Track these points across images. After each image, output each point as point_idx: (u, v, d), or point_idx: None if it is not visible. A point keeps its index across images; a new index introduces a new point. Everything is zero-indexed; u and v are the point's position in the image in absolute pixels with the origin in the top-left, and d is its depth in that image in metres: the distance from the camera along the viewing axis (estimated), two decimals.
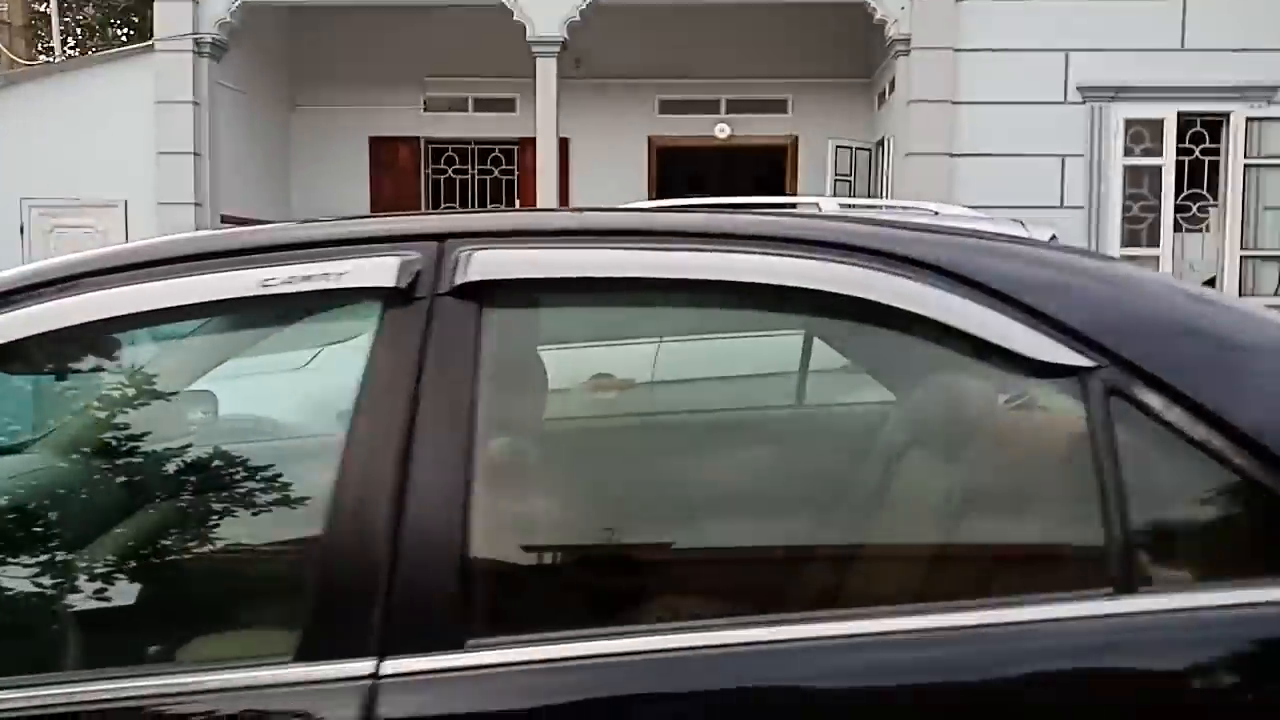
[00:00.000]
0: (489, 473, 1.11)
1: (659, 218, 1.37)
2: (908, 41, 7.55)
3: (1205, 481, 1.07)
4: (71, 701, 1.04)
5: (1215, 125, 7.59)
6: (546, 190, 7.79)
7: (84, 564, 1.30)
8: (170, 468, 1.35)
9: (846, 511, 1.32)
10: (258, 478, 1.34)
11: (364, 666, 1.02)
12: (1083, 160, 7.60)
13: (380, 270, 1.14)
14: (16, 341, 1.13)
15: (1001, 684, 1.00)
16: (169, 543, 1.30)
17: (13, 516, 1.40)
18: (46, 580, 1.28)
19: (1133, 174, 7.64)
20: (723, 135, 9.50)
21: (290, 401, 1.99)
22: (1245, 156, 7.50)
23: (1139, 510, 1.03)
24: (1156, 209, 7.60)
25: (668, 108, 9.54)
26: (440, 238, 1.17)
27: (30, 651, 1.23)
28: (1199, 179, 7.65)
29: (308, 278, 1.15)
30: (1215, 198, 7.65)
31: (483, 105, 9.60)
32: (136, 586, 1.34)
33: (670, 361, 1.39)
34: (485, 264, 1.14)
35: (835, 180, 8.99)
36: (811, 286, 1.13)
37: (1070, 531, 1.15)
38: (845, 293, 1.14)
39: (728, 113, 9.50)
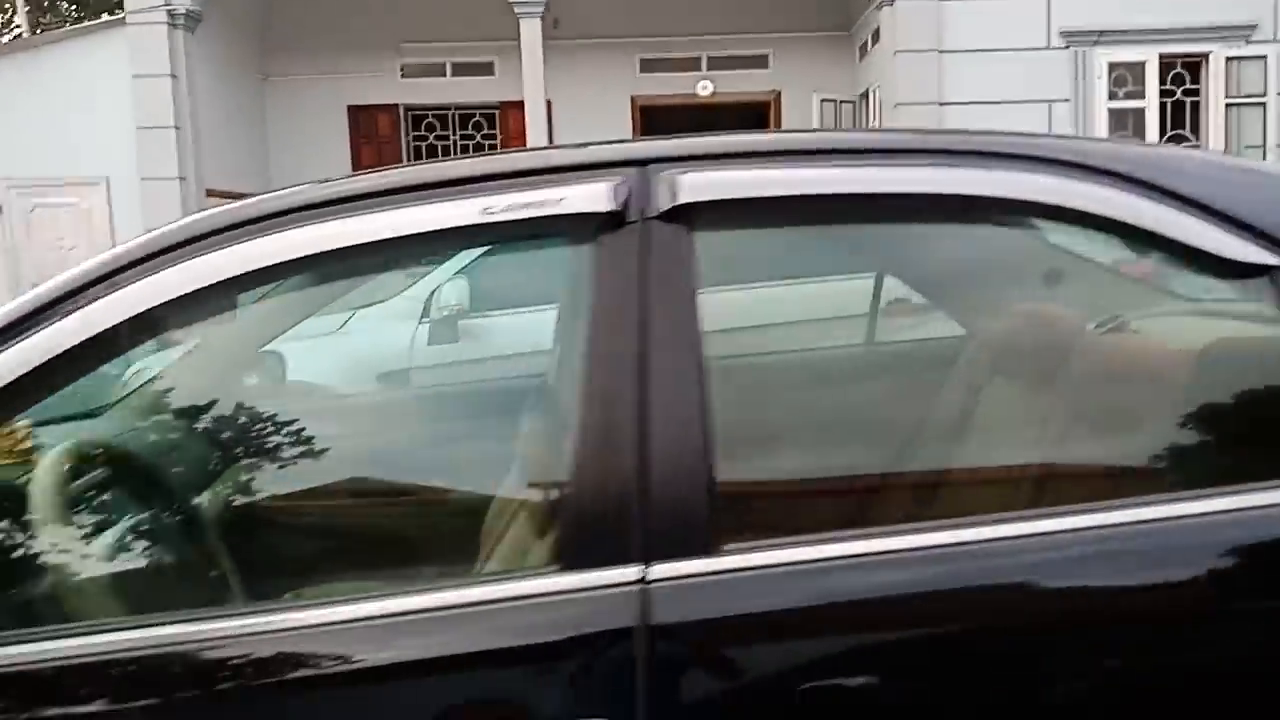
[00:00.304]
0: (719, 392, 1.14)
1: (851, 136, 1.39)
2: None
3: None
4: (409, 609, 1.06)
5: (1195, 66, 7.72)
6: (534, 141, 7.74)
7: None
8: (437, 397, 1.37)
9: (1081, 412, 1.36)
10: (511, 404, 1.36)
11: (633, 572, 1.06)
12: (1068, 105, 7.70)
13: (594, 196, 1.16)
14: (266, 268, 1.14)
15: None
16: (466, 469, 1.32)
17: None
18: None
19: (1117, 117, 7.75)
20: (705, 93, 9.48)
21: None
22: (1226, 96, 7.65)
23: None
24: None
25: (649, 66, 9.50)
26: (642, 163, 1.20)
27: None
28: (1181, 120, 7.79)
29: (527, 205, 1.16)
30: (1198, 137, 7.79)
31: (461, 70, 9.49)
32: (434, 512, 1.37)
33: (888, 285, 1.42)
34: (694, 186, 1.16)
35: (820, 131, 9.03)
36: (1024, 198, 1.17)
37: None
38: (1047, 201, 1.18)
39: (709, 70, 9.48)
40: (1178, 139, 7.84)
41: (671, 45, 9.38)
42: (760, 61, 9.49)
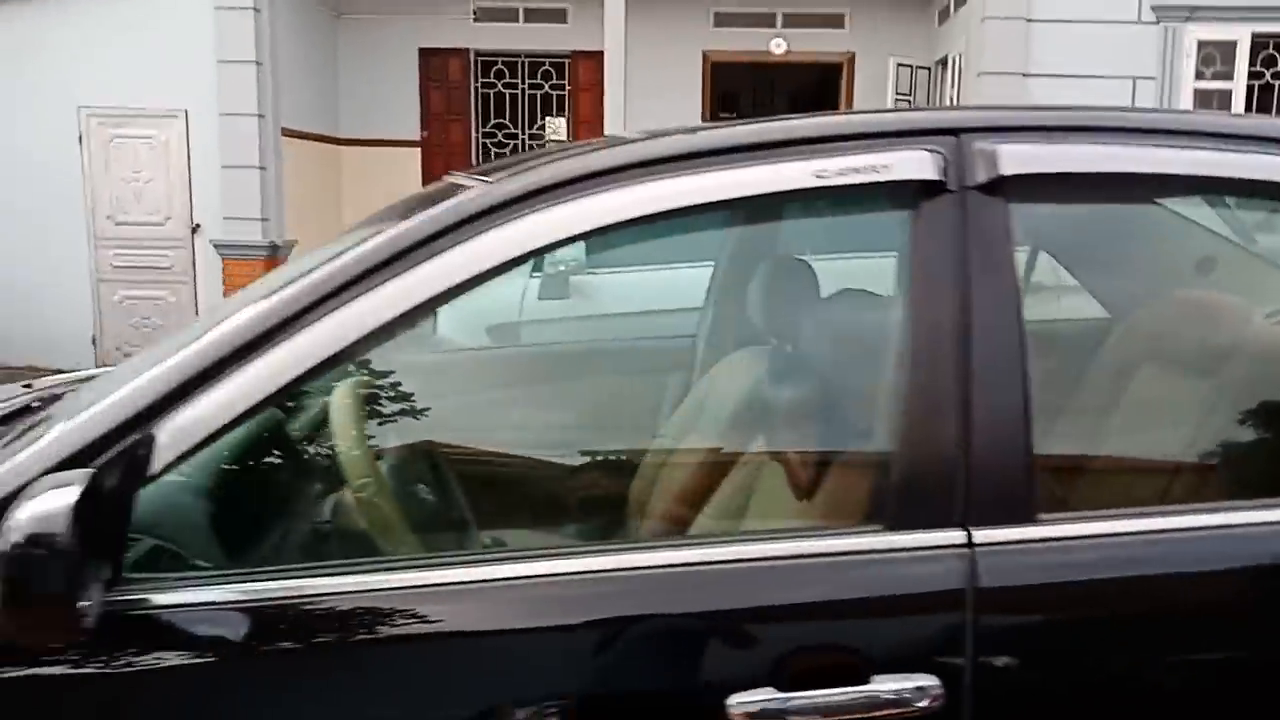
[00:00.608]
0: (1038, 362, 1.17)
1: (1153, 116, 1.40)
2: None
3: None
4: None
5: None
6: (614, 106, 7.69)
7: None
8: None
9: None
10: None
11: (958, 535, 1.10)
12: (1154, 83, 7.57)
13: (918, 163, 1.18)
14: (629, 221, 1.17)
15: None
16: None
17: None
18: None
19: (1203, 97, 7.62)
20: (779, 51, 9.37)
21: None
22: None
23: None
24: None
25: (722, 20, 9.38)
26: (955, 132, 1.22)
27: None
28: (1268, 103, 7.65)
29: (856, 170, 1.19)
30: None
31: (533, 15, 9.41)
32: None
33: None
34: (1014, 158, 1.19)
35: (896, 99, 8.93)
36: None
37: None
38: None
39: (784, 28, 9.36)
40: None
41: (746, 0, 9.27)
42: (836, 21, 9.35)
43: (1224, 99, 7.63)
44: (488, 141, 9.81)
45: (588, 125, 9.59)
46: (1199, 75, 7.58)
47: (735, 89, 12.34)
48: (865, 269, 1.31)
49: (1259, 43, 7.53)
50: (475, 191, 1.21)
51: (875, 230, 1.28)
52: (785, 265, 1.42)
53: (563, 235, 1.17)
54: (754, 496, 1.38)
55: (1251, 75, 7.59)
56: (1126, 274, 1.49)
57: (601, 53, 9.30)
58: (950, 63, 8.48)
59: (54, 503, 0.88)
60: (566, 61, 9.51)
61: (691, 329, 1.77)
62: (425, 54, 9.44)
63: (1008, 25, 7.48)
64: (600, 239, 1.23)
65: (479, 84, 9.61)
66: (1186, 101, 7.57)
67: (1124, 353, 1.33)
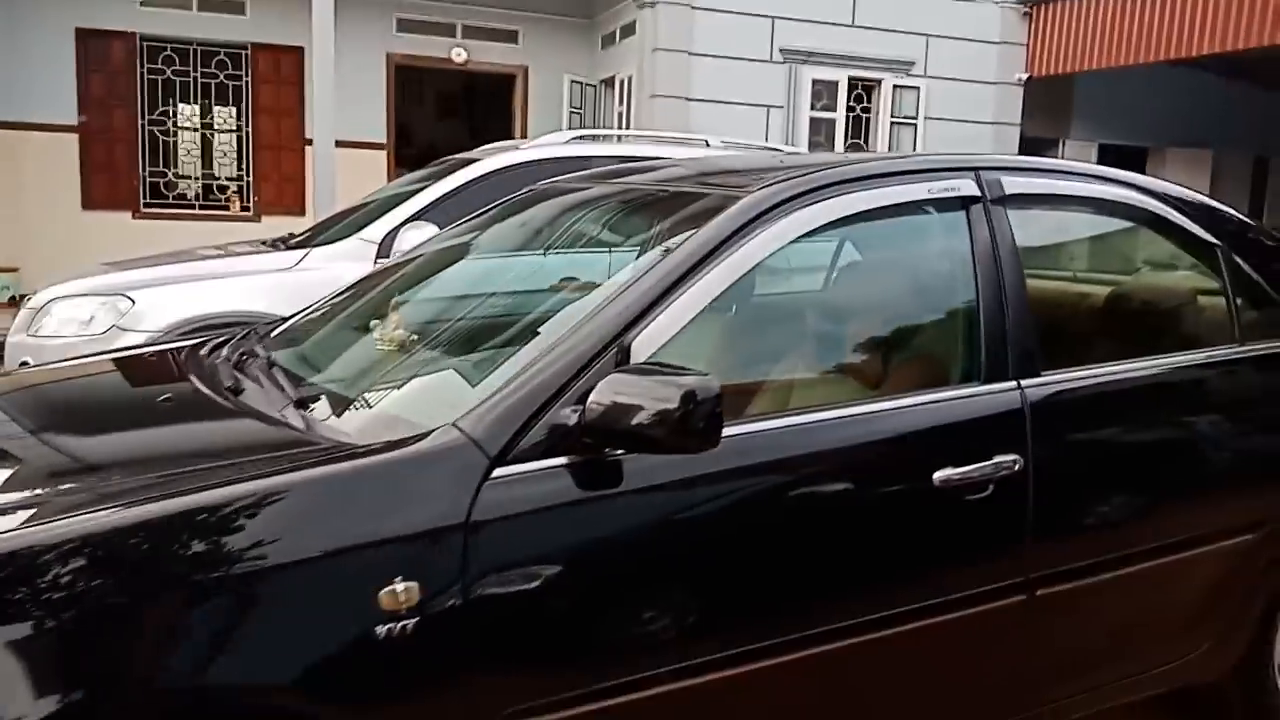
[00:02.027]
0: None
1: (1055, 163, 2.46)
2: None
3: None
4: None
5: (870, 89, 9.77)
6: (323, 100, 7.81)
7: None
8: None
9: None
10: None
11: (1012, 384, 2.08)
12: (782, 111, 9.39)
13: (969, 186, 2.16)
14: None
15: None
16: None
17: None
18: None
19: (815, 124, 9.58)
20: (459, 59, 10.00)
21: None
22: (890, 115, 9.78)
23: None
24: (826, 152, 9.63)
25: (405, 26, 9.81)
26: (975, 169, 2.21)
27: None
28: (859, 131, 9.82)
29: (946, 189, 2.13)
30: (869, 145, 9.87)
31: (208, 4, 9.14)
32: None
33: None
34: (1010, 184, 2.20)
35: (570, 112, 9.99)
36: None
37: None
38: None
39: (464, 38, 10.00)
40: (855, 147, 9.87)
41: (428, 8, 9.78)
42: (511, 36, 10.19)
43: (829, 126, 9.66)
44: (155, 129, 9.33)
45: (270, 115, 9.53)
46: (813, 106, 9.52)
47: (425, 93, 12.80)
48: (935, 247, 2.23)
49: (854, 83, 9.64)
50: (749, 199, 1.93)
51: (946, 220, 2.19)
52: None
53: (812, 227, 1.96)
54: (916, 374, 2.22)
55: (849, 109, 9.69)
56: (1053, 257, 2.59)
57: (284, 46, 9.38)
58: (619, 83, 9.70)
59: (703, 382, 1.52)
60: (244, 53, 9.35)
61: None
62: (84, 35, 8.77)
63: (674, 57, 8.85)
64: (827, 230, 2.02)
65: (145, 70, 9.12)
66: (805, 126, 9.48)
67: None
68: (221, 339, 2.60)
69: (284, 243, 5.16)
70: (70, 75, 8.81)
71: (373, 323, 2.41)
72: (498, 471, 1.58)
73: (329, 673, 1.44)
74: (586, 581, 1.65)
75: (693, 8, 8.85)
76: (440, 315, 2.47)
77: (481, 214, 2.87)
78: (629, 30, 9.46)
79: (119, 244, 8.71)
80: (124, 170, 9.15)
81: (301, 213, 9.56)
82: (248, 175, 9.61)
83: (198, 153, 9.62)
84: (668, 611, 1.72)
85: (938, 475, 1.92)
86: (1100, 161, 11.44)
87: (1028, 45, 10.25)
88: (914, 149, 9.91)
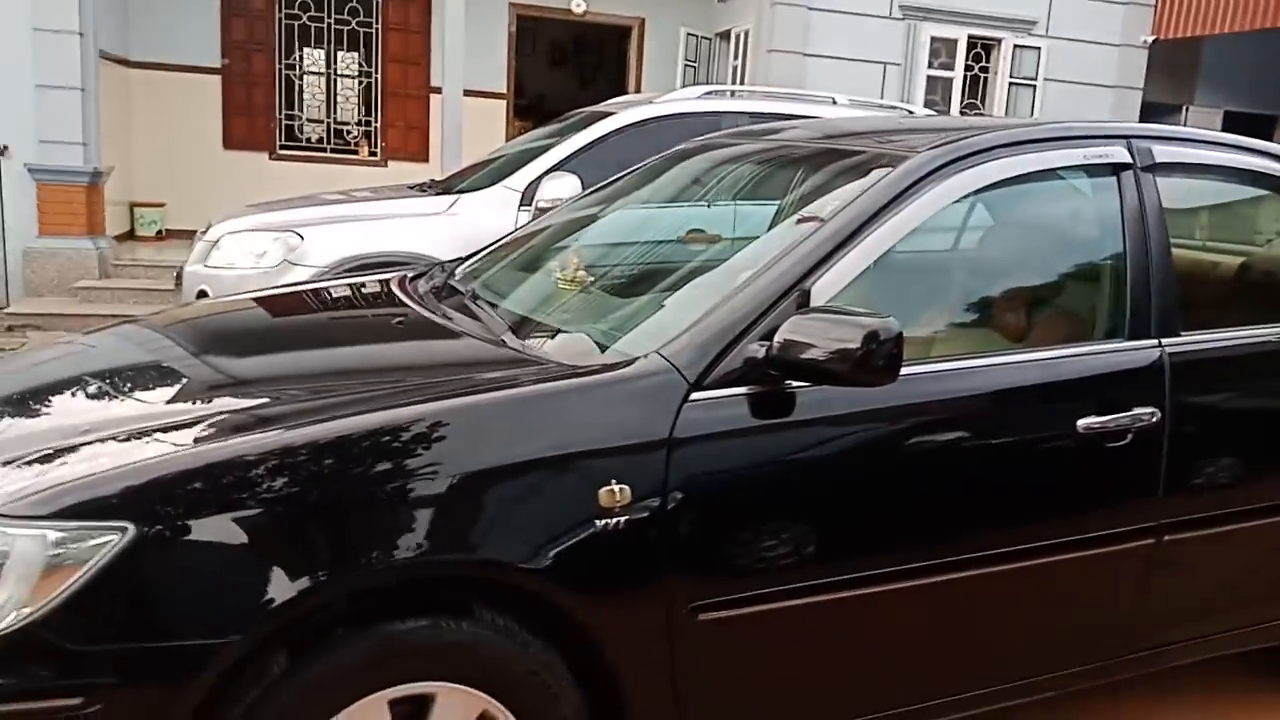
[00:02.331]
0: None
1: (1201, 133, 2.58)
2: None
3: None
4: None
5: (990, 48, 9.65)
6: (453, 51, 8.07)
7: None
8: None
9: None
10: None
11: (1154, 341, 2.23)
12: (899, 69, 9.36)
13: (1122, 153, 2.29)
14: None
15: None
16: None
17: None
18: None
19: (931, 83, 9.53)
20: (579, 10, 10.18)
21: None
22: (1009, 76, 9.65)
23: None
24: (946, 113, 9.57)
25: None
26: (1130, 138, 2.34)
27: None
28: (975, 91, 9.73)
29: (1100, 155, 2.27)
30: (984, 106, 9.77)
31: None
32: None
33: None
34: (1160, 153, 2.33)
35: (685, 65, 10.11)
36: None
37: None
38: None
39: None
40: (971, 107, 9.79)
41: None
42: None
43: (946, 85, 9.59)
44: (290, 74, 9.78)
45: (398, 63, 9.88)
46: (930, 65, 9.46)
47: (542, 41, 13.11)
48: (1085, 210, 2.39)
49: (973, 42, 9.54)
50: (917, 160, 2.12)
51: (1097, 185, 2.33)
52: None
53: (975, 188, 2.14)
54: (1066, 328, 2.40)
55: (966, 68, 9.60)
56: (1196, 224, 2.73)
57: None
58: (734, 38, 9.78)
59: (885, 323, 1.73)
60: (376, 1, 9.69)
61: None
62: None
63: (794, 11, 8.89)
64: (988, 191, 2.20)
65: (283, 14, 9.54)
66: (921, 84, 9.44)
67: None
68: (413, 274, 2.90)
69: (428, 188, 5.49)
70: (215, 19, 9.28)
71: (554, 264, 2.68)
72: (695, 395, 1.82)
73: (556, 556, 1.72)
74: (762, 497, 1.89)
75: None
76: (612, 259, 2.72)
77: (640, 168, 3.10)
78: None
79: (256, 184, 9.23)
80: (262, 112, 9.62)
81: (426, 159, 9.94)
82: (375, 121, 10.01)
83: (331, 98, 10.04)
84: (834, 529, 1.95)
85: (1081, 422, 2.11)
86: (1225, 128, 11.10)
87: (1155, 6, 9.96)
88: (1032, 111, 9.78)
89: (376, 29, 9.79)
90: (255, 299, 2.85)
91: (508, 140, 10.17)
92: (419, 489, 1.65)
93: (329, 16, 9.68)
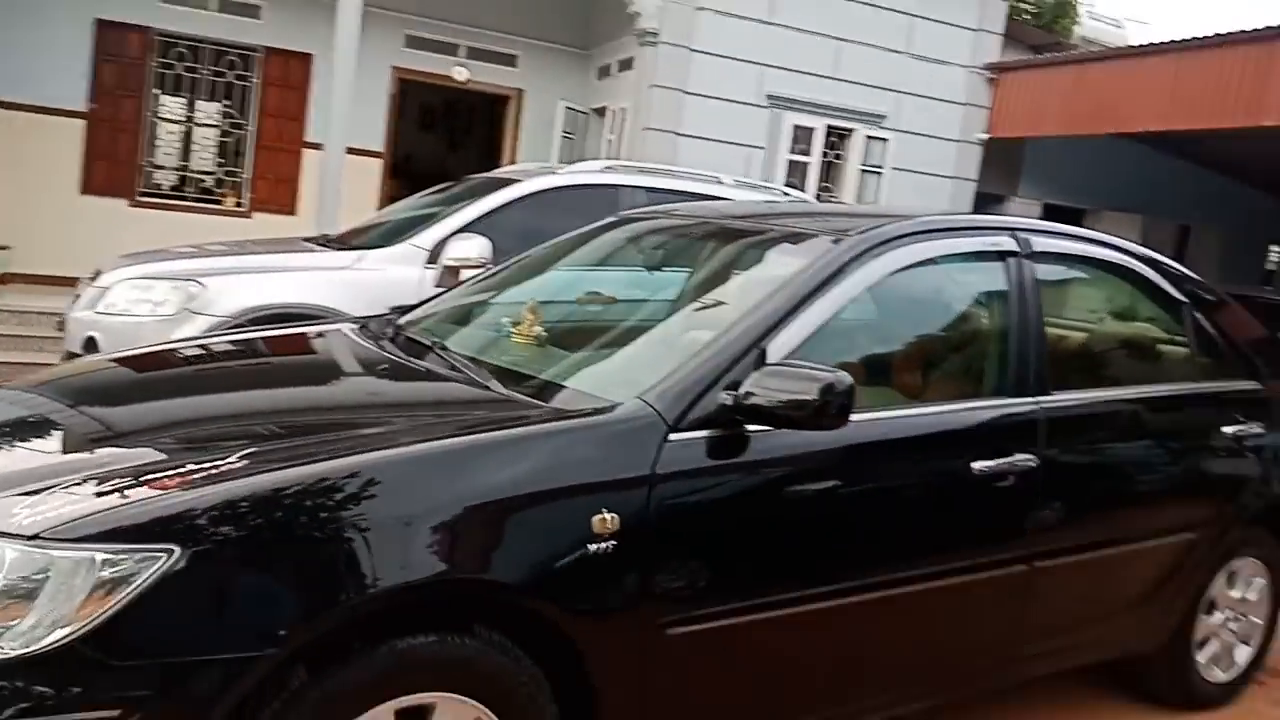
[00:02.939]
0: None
1: (1062, 228, 3.05)
2: (656, 35, 9.30)
3: None
4: None
5: (844, 137, 10.47)
6: (339, 108, 8.15)
7: None
8: None
9: None
10: None
11: (1032, 399, 2.64)
12: (763, 153, 10.02)
13: (1009, 242, 2.73)
14: None
15: None
16: None
17: None
18: None
19: (791, 166, 10.23)
20: (461, 78, 10.43)
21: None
22: (861, 164, 10.49)
23: None
24: (805, 195, 10.29)
25: (413, 43, 10.22)
26: (1014, 230, 2.78)
27: None
28: (829, 176, 10.51)
29: (993, 243, 2.69)
30: (837, 190, 10.56)
31: (226, 6, 9.45)
32: None
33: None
34: (1040, 244, 2.78)
35: (562, 137, 10.49)
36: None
37: None
38: None
39: (467, 58, 10.45)
40: (826, 190, 10.55)
41: (435, 27, 10.21)
42: (509, 60, 10.67)
43: (803, 169, 10.32)
44: (159, 121, 9.57)
45: (274, 118, 9.83)
46: (792, 150, 10.17)
47: (423, 106, 13.26)
48: (980, 288, 2.79)
49: (830, 131, 10.33)
50: (851, 241, 2.46)
51: (989, 268, 2.74)
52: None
53: (899, 266, 2.50)
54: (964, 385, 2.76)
55: (823, 155, 10.37)
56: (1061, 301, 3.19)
57: (295, 51, 9.72)
58: (611, 114, 10.23)
59: (839, 377, 2.02)
60: (255, 55, 9.66)
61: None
62: (103, 25, 9.01)
63: (669, 94, 9.43)
64: (905, 271, 2.56)
65: (156, 62, 9.37)
66: (783, 167, 10.12)
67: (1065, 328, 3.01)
68: (360, 324, 3.04)
69: (324, 243, 5.56)
70: (85, 63, 9.02)
71: (504, 319, 2.88)
72: (672, 436, 2.07)
73: (553, 577, 1.91)
74: (725, 526, 2.15)
75: (690, 50, 9.45)
76: (563, 316, 2.95)
77: (580, 233, 3.36)
78: (627, 65, 10.02)
79: (113, 230, 8.96)
80: (125, 158, 9.36)
81: (293, 213, 9.88)
82: (244, 173, 9.89)
83: (197, 147, 9.87)
84: (781, 555, 2.22)
85: (976, 465, 2.47)
86: (1043, 218, 12.32)
87: (990, 108, 11.08)
88: (878, 197, 10.63)
89: (254, 83, 9.73)
90: (237, 344, 2.96)
91: (383, 198, 10.27)
92: (437, 516, 1.82)
93: (205, 68, 9.57)
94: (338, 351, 2.80)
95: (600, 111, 10.57)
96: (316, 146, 9.05)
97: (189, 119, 9.76)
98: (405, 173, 13.45)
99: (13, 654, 1.56)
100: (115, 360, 2.87)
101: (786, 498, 2.24)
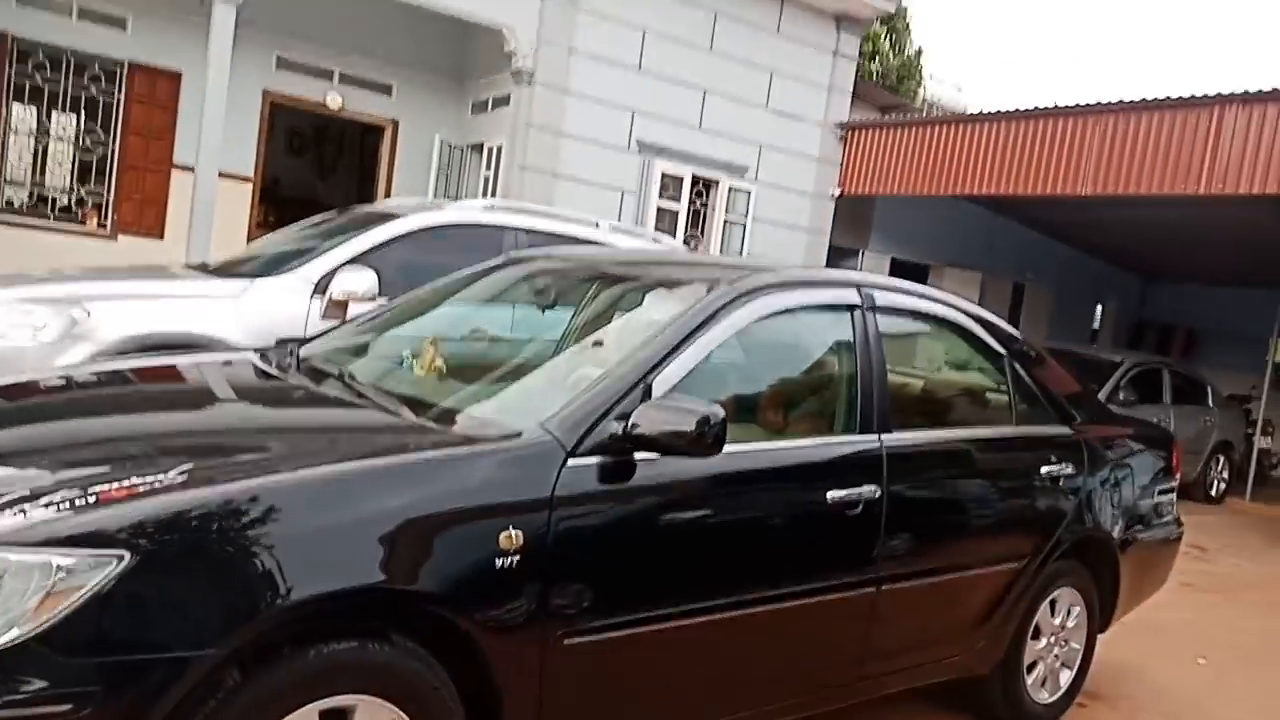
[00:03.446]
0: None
1: (905, 284, 3.47)
2: (533, 75, 9.61)
3: None
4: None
5: (710, 186, 11.01)
6: (212, 126, 8.07)
7: None
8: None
9: None
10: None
11: (875, 438, 3.03)
12: (635, 196, 10.44)
13: (854, 297, 3.13)
14: None
15: None
16: None
17: None
18: None
19: (660, 214, 10.69)
20: (334, 105, 10.46)
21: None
22: (725, 213, 11.05)
23: None
24: (674, 241, 10.76)
25: (285, 65, 10.19)
26: (859, 285, 3.19)
27: None
28: (697, 223, 11.02)
29: (841, 296, 3.09)
30: (703, 237, 11.08)
31: (89, 15, 9.21)
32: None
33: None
34: (881, 299, 3.20)
35: (438, 171, 10.64)
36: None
37: None
38: None
39: (340, 84, 10.48)
40: (694, 238, 11.06)
41: (308, 51, 10.22)
42: (385, 89, 10.77)
43: (672, 216, 10.80)
44: (15, 135, 9.22)
45: (140, 136, 9.61)
46: (661, 195, 10.64)
47: (295, 132, 13.07)
48: (831, 336, 3.17)
49: (696, 180, 10.85)
50: (721, 291, 2.79)
51: (838, 318, 3.11)
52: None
53: (765, 314, 2.84)
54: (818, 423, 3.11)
55: (690, 202, 10.87)
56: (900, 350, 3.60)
57: (163, 69, 9.57)
58: (488, 151, 10.46)
59: (713, 409, 2.31)
60: (120, 70, 9.44)
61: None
62: None
63: (545, 135, 9.74)
64: (767, 320, 2.90)
65: (13, 71, 9.04)
66: (653, 213, 10.56)
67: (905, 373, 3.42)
68: (261, 352, 3.18)
69: (204, 271, 5.56)
70: None
71: (405, 352, 3.09)
72: (570, 462, 2.33)
73: (464, 588, 2.13)
74: (614, 545, 2.41)
75: (565, 92, 9.80)
76: (459, 350, 3.18)
77: (473, 271, 3.59)
78: (502, 101, 10.28)
79: None
80: None
81: (160, 236, 9.66)
82: (108, 193, 9.61)
83: (53, 163, 9.54)
84: (661, 573, 2.50)
85: (830, 494, 2.83)
86: (890, 274, 13.25)
87: (841, 165, 11.87)
88: (742, 246, 11.21)
89: (118, 99, 9.50)
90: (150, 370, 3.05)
91: (252, 224, 10.15)
92: (361, 529, 2.02)
93: (65, 80, 9.29)
94: (245, 380, 2.94)
95: (477, 148, 10.77)
96: (186, 169, 8.90)
97: (44, 132, 9.42)
98: (273, 197, 13.26)
99: None
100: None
101: (666, 521, 2.52)
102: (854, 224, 12.79)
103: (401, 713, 2.10)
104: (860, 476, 2.92)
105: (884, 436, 3.04)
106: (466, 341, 3.29)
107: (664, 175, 10.62)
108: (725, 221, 11.08)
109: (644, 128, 10.38)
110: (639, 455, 2.43)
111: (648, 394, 2.49)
